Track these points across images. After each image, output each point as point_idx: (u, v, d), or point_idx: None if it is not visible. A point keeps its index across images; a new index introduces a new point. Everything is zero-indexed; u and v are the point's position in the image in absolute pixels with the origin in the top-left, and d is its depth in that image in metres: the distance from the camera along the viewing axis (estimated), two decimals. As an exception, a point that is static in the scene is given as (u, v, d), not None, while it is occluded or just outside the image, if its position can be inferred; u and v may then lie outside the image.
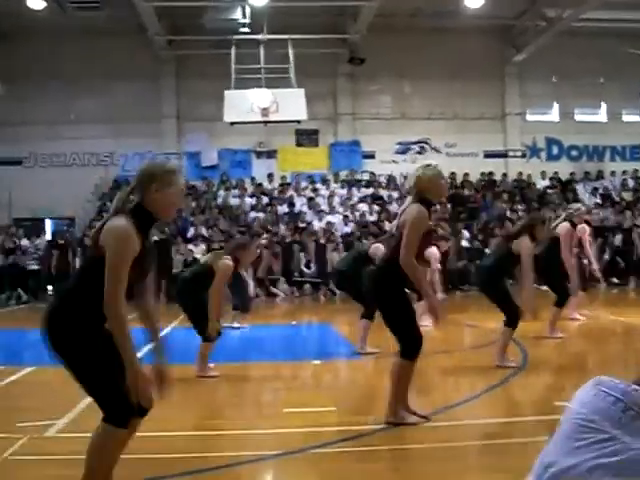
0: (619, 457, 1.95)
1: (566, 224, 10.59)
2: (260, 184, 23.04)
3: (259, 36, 20.60)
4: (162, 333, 4.01)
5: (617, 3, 21.21)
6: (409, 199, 5.71)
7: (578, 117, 25.82)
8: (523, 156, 25.20)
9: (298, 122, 20.45)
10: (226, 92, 19.64)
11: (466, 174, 23.58)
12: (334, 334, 11.69)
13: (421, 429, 5.47)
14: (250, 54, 20.39)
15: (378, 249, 9.49)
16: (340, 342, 10.69)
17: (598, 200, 23.32)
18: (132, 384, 3.46)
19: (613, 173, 24.95)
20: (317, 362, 8.85)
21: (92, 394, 3.65)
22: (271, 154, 24.03)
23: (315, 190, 22.89)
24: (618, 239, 20.84)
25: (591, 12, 21.43)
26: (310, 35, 21.40)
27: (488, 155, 24.78)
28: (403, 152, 24.64)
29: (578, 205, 11.79)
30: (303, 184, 23.15)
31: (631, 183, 24.68)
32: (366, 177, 23.83)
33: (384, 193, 22.91)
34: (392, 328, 5.69)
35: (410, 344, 5.60)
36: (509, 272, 8.53)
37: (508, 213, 21.84)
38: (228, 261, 7.87)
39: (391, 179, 23.59)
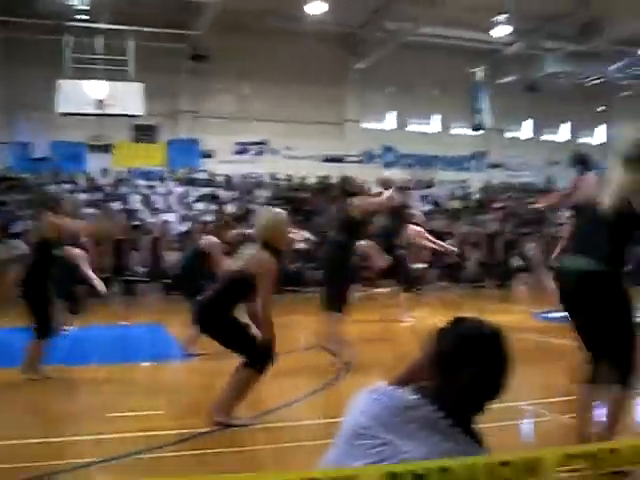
0: (393, 460, 2.07)
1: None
2: (93, 179, 22.32)
3: (98, 25, 19.94)
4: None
5: (453, 21, 22.22)
6: (257, 246, 5.83)
7: (413, 127, 26.77)
8: (360, 162, 25.76)
9: (135, 117, 19.98)
10: (60, 81, 18.87)
11: (303, 177, 23.81)
12: (166, 335, 11.46)
13: (250, 431, 5.45)
14: (88, 43, 19.67)
15: (210, 241, 9.46)
16: (171, 343, 10.49)
17: (429, 207, 24.18)
18: None
19: (443, 182, 26.00)
20: (147, 364, 8.65)
21: None
22: (107, 148, 23.29)
23: (151, 187, 22.43)
24: (446, 243, 21.62)
25: (429, 28, 22.35)
26: (152, 28, 20.94)
27: (326, 159, 25.17)
28: (241, 152, 24.62)
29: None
30: (139, 181, 22.63)
31: (459, 192, 25.84)
32: (204, 176, 23.60)
33: (222, 193, 22.75)
34: (235, 351, 5.81)
35: (259, 359, 5.68)
36: None
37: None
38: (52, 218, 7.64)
39: (229, 179, 23.48)
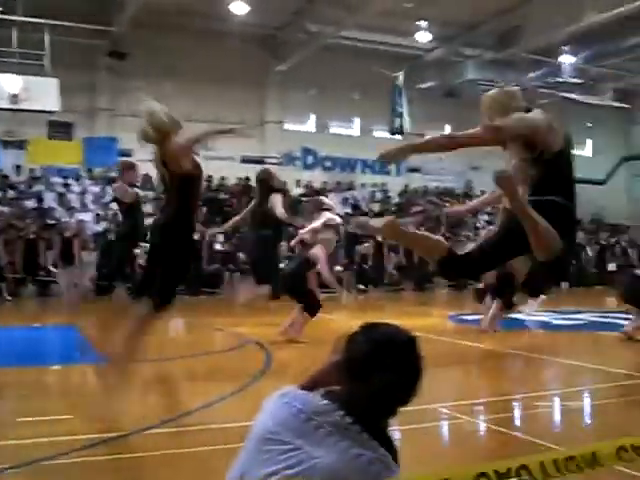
0: (303, 466, 2.06)
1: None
2: (6, 176, 21.70)
3: (13, 17, 19.38)
4: None
5: (374, 26, 22.43)
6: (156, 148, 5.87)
7: (333, 129, 26.90)
8: (279, 163, 25.72)
9: (50, 113, 19.51)
10: (-28, 74, 18.34)
11: (222, 178, 23.65)
12: (78, 337, 11.18)
13: (166, 435, 5.35)
14: (3, 35, 19.13)
15: (121, 188, 9.26)
16: (84, 346, 10.23)
17: (349, 210, 24.31)
18: None
19: (363, 185, 26.20)
20: (58, 367, 8.44)
21: None
22: (21, 144, 22.64)
23: (67, 186, 21.93)
24: (365, 247, 21.74)
25: (350, 31, 22.51)
26: (70, 23, 20.46)
27: (245, 160, 25.05)
28: (161, 152, 24.31)
29: None
30: (54, 179, 22.09)
31: (379, 195, 26.07)
32: (122, 175, 23.15)
33: (140, 192, 22.33)
34: (164, 276, 5.73)
35: (166, 297, 5.69)
36: None
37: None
38: None
39: (148, 179, 23.11)
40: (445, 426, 6.16)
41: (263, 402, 2.31)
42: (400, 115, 24.64)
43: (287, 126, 26.15)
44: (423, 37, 23.97)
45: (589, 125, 29.47)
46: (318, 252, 10.39)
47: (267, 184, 8.97)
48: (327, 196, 24.34)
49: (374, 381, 2.18)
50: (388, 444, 2.24)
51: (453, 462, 4.81)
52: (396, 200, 26.34)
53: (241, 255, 19.94)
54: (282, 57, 24.53)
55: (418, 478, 1.85)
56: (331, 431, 2.11)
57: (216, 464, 4.68)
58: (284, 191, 9.31)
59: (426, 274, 21.92)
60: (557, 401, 6.91)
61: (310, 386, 2.37)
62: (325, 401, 2.20)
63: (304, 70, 24.31)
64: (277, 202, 8.65)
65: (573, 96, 26.34)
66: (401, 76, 24.51)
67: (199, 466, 4.66)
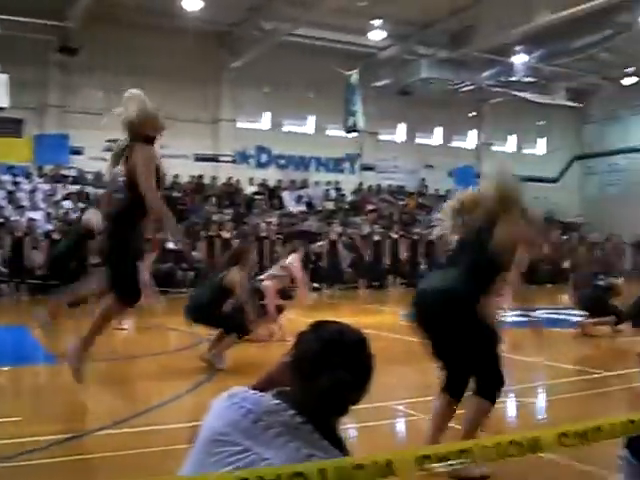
0: (253, 468, 2.01)
1: None
2: (-47, 174, 21.27)
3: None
4: None
5: (329, 23, 22.44)
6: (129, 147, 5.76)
7: (287, 127, 26.83)
8: (233, 161, 25.59)
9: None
10: None
11: (176, 176, 23.42)
12: (29, 338, 11.00)
13: (118, 435, 5.27)
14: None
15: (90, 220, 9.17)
16: (35, 346, 10.07)
17: (303, 208, 24.29)
18: None
19: (317, 183, 26.20)
20: (7, 368, 8.28)
21: None
22: (-32, 142, 22.24)
23: (16, 184, 21.54)
24: (320, 246, 21.71)
25: (305, 29, 22.49)
26: (20, 17, 20.09)
27: (199, 158, 24.87)
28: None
29: None
30: (3, 177, 21.67)
31: (333, 193, 26.09)
32: (73, 173, 22.84)
33: (91, 190, 22.10)
34: (110, 270, 5.77)
35: (126, 291, 5.78)
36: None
37: (216, 217, 22.01)
38: None
39: (99, 176, 22.83)
40: (400, 424, 6.16)
41: (211, 403, 2.27)
42: (354, 113, 24.67)
43: (241, 124, 26.00)
44: (377, 35, 24.04)
45: (542, 124, 29.87)
46: (269, 286, 10.42)
47: (241, 258, 8.64)
48: (281, 195, 24.48)
49: (322, 380, 2.17)
50: (339, 444, 2.22)
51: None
52: (350, 198, 26.37)
53: (194, 254, 19.86)
54: (236, 54, 24.36)
55: (362, 460, 1.83)
56: (281, 431, 2.09)
57: (170, 465, 4.61)
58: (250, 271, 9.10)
59: (380, 271, 22.01)
60: (512, 397, 6.95)
61: (263, 386, 2.34)
62: (276, 401, 2.18)
63: (258, 68, 24.17)
64: (238, 281, 8.38)
65: (526, 95, 26.63)
66: (355, 74, 24.55)
67: (153, 467, 4.59)
